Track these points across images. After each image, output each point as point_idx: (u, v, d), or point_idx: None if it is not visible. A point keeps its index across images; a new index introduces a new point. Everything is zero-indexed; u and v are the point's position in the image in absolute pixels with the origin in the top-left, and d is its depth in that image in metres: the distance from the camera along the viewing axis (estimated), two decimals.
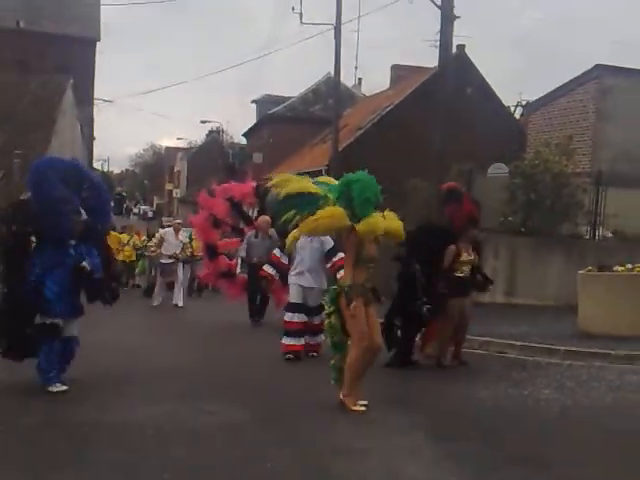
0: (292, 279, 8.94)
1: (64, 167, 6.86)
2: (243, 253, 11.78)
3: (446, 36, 14.67)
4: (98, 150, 76.61)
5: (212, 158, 48.54)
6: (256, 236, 11.63)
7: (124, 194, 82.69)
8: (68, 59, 30.07)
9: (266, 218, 11.52)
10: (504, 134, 21.61)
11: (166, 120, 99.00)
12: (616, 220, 14.30)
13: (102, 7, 34.57)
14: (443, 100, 14.64)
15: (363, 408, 6.22)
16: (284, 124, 32.23)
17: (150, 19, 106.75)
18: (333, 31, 19.99)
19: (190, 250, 14.97)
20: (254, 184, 12.85)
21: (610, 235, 14.73)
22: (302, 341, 8.73)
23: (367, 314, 6.26)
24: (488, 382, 7.57)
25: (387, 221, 6.42)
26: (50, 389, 6.52)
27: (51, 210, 6.48)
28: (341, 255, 8.56)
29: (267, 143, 33.44)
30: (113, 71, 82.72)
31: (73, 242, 6.68)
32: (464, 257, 8.30)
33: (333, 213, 6.19)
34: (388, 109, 23.77)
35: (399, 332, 8.24)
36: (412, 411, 6.34)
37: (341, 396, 6.29)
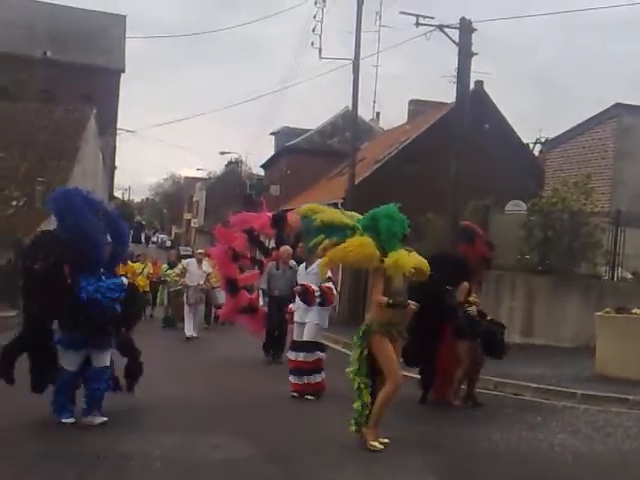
0: (294, 316, 8.80)
1: (83, 196, 6.81)
2: (265, 285, 11.30)
3: (464, 72, 14.74)
4: (119, 179, 77.42)
5: (230, 189, 48.90)
6: (277, 268, 11.20)
7: (143, 223, 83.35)
8: (93, 89, 30.58)
9: (287, 248, 11.12)
10: (522, 171, 21.51)
11: (186, 151, 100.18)
12: (635, 261, 14.10)
13: (127, 39, 35.25)
14: (460, 135, 14.65)
15: (382, 446, 6.12)
16: (302, 156, 32.38)
17: (174, 51, 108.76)
18: (351, 66, 20.16)
19: (213, 280, 14.72)
20: (270, 214, 12.36)
21: (629, 276, 14.51)
22: (305, 379, 8.53)
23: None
24: (502, 424, 7.42)
25: (415, 258, 6.42)
26: (62, 420, 6.50)
27: (84, 239, 6.38)
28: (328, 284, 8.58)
29: (284, 175, 33.60)
30: (134, 101, 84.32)
31: (102, 270, 6.62)
32: (472, 297, 8.19)
33: (362, 242, 6.23)
34: (405, 143, 23.79)
35: None
36: (424, 452, 6.23)
37: (364, 429, 6.21)
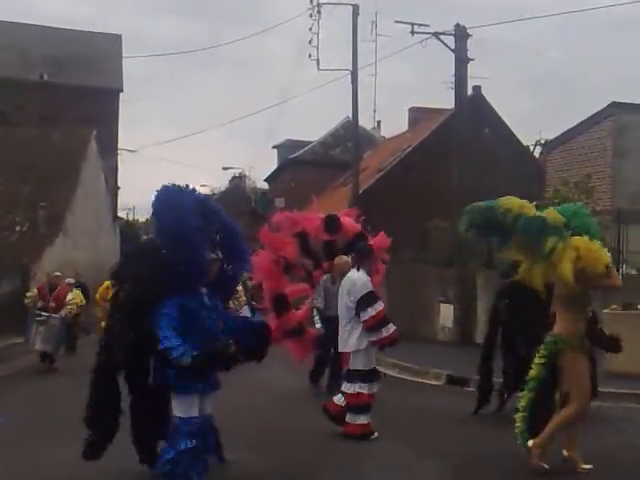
0: (364, 336, 6.97)
1: (194, 197, 5.61)
2: (321, 303, 9.28)
3: (461, 78, 14.90)
4: (123, 199, 77.48)
5: (235, 204, 48.93)
6: (333, 282, 9.07)
7: None
8: (92, 110, 30.60)
9: (344, 259, 8.67)
10: (524, 173, 21.60)
11: (189, 167, 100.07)
12: (639, 257, 14.14)
13: (126, 59, 35.41)
14: (460, 141, 14.76)
15: (547, 466, 5.64)
16: (305, 168, 32.52)
17: (172, 69, 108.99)
18: (350, 76, 20.33)
19: (241, 299, 12.34)
20: (323, 216, 10.00)
21: (634, 272, 14.55)
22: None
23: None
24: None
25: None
26: None
27: (184, 241, 5.13)
28: (381, 304, 7.06)
29: (289, 187, 33.72)
30: (135, 120, 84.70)
31: (205, 290, 5.33)
32: None
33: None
34: (407, 151, 23.95)
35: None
36: (448, 457, 6.27)
37: (530, 443, 5.68)
